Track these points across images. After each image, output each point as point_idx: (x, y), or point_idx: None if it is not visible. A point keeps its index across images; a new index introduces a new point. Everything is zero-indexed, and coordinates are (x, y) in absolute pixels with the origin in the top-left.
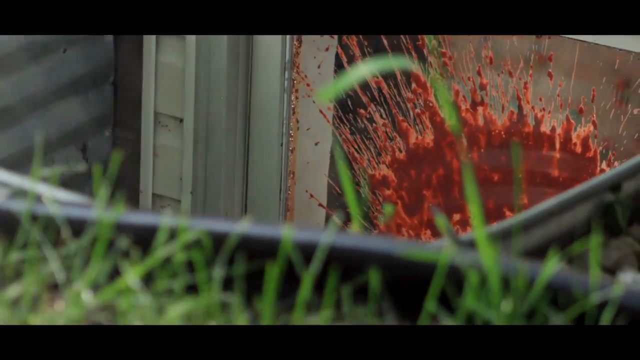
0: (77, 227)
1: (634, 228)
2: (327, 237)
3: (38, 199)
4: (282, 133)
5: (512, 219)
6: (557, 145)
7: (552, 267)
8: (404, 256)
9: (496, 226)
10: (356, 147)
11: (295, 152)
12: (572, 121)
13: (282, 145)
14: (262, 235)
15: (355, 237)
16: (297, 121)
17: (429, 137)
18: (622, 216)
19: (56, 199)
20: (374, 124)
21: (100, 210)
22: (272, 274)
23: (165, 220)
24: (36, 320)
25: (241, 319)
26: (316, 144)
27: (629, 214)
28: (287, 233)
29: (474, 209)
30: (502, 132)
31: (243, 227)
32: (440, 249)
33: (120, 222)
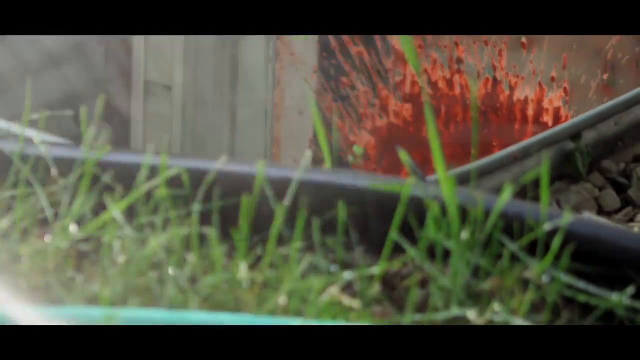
0: (65, 166)
1: (593, 175)
2: (298, 172)
3: (28, 140)
4: (267, 101)
5: (476, 162)
6: (530, 111)
7: (506, 197)
8: (369, 188)
9: (462, 168)
10: (338, 113)
11: (280, 120)
12: (545, 87)
13: (267, 113)
14: (237, 172)
15: (325, 172)
16: (282, 90)
17: (407, 106)
18: (582, 164)
19: (45, 140)
20: (355, 92)
21: (86, 149)
22: (246, 206)
23: (147, 158)
24: (25, 250)
25: (217, 250)
26: (300, 112)
27: (588, 162)
28: (261, 169)
29: (434, 146)
30: (478, 98)
31: (220, 164)
32: (403, 182)
33: (105, 161)
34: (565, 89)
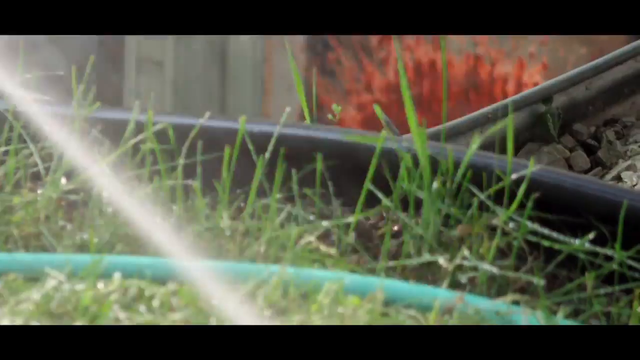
0: (57, 122)
1: (565, 137)
2: (279, 127)
3: (21, 99)
4: (257, 77)
5: (451, 122)
6: (510, 84)
7: (474, 149)
8: (346, 141)
9: (435, 127)
10: (324, 89)
11: (269, 95)
12: (524, 61)
13: (256, 89)
14: (220, 127)
15: (304, 127)
16: (271, 66)
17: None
18: (553, 126)
19: (37, 99)
20: (341, 67)
21: (76, 106)
22: (228, 159)
23: (134, 114)
24: (18, 200)
25: (201, 201)
26: (288, 88)
27: (559, 125)
28: (243, 124)
29: (406, 102)
30: (460, 73)
31: (204, 120)
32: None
33: (94, 117)
34: (544, 64)
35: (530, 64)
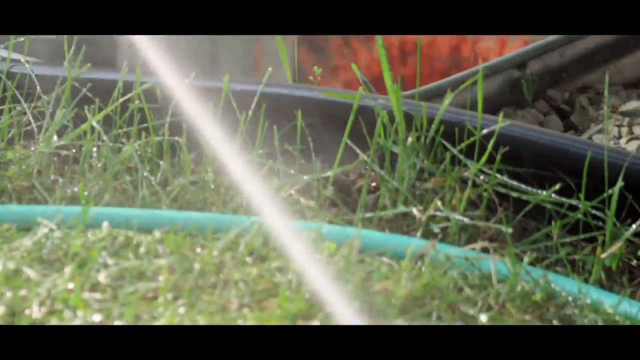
0: (48, 83)
1: (539, 103)
2: (261, 86)
3: (14, 61)
4: (247, 55)
5: (427, 85)
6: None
7: (446, 105)
8: (325, 98)
9: (411, 90)
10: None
11: (259, 72)
12: (505, 38)
13: (246, 67)
14: (207, 86)
15: (285, 86)
16: (261, 45)
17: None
18: (528, 91)
19: (29, 61)
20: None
21: (68, 67)
22: (214, 116)
23: (122, 74)
24: (11, 156)
25: (187, 156)
26: (279, 66)
27: (534, 90)
28: (227, 83)
29: (382, 61)
30: (444, 50)
31: (190, 79)
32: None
33: (85, 77)
34: (524, 41)
35: (511, 41)
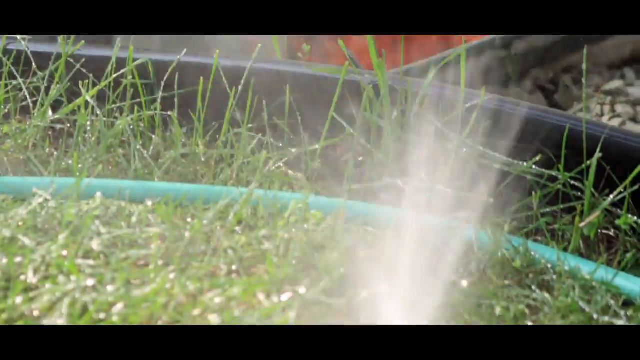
0: (44, 60)
1: (524, 81)
2: (250, 62)
3: (11, 38)
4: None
5: (414, 62)
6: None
7: (430, 79)
8: (312, 72)
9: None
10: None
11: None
12: None
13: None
14: (198, 62)
15: (274, 62)
16: None
17: None
18: (513, 70)
19: (25, 38)
20: None
21: (62, 44)
22: (203, 91)
23: (116, 50)
24: (7, 129)
25: (178, 130)
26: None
27: (519, 70)
28: (216, 59)
29: (368, 38)
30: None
31: (181, 56)
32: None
33: (79, 54)
34: None
35: None
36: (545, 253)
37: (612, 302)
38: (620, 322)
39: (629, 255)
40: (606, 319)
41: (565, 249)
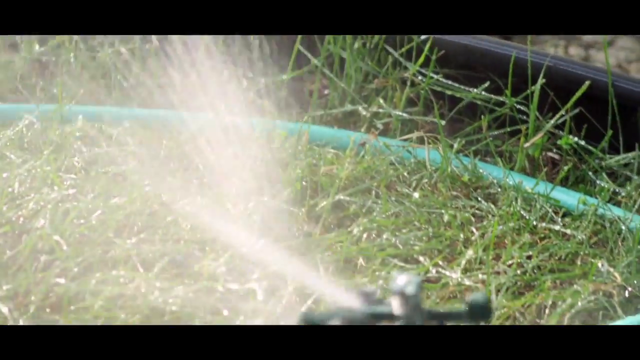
0: None
1: None
2: None
3: None
4: None
5: None
6: None
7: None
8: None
9: None
10: None
11: None
12: None
13: None
14: None
15: None
16: None
17: None
18: None
19: None
20: None
21: None
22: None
23: None
24: None
25: (156, 63)
26: None
27: None
28: None
29: None
30: None
31: None
32: None
33: None
34: None
35: None
36: (493, 171)
37: (550, 211)
38: (556, 228)
39: (566, 168)
40: (544, 225)
41: (511, 169)
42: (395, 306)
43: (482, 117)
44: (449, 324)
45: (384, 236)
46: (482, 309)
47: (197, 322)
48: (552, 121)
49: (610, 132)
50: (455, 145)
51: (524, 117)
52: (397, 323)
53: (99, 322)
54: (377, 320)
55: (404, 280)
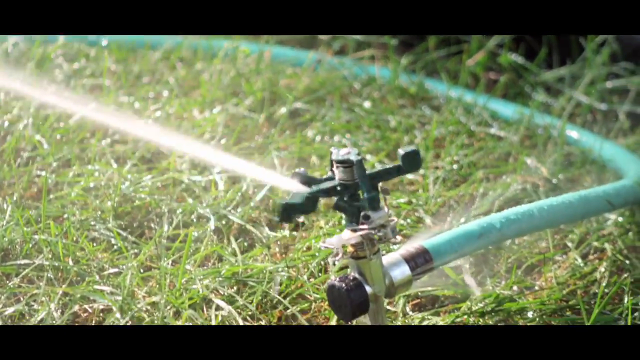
0: None
1: None
2: None
3: None
4: None
5: None
6: None
7: None
8: None
9: None
10: None
11: None
12: None
13: None
14: None
15: None
16: None
17: None
18: None
19: None
20: None
21: None
22: None
23: None
24: None
25: None
26: None
27: None
28: None
29: None
30: None
31: None
32: None
33: None
34: None
35: None
36: (438, 86)
37: (488, 118)
38: (492, 131)
39: (502, 79)
40: (480, 128)
41: (455, 85)
42: (339, 174)
43: (429, 38)
44: (387, 179)
45: (335, 138)
46: (413, 158)
47: (163, 209)
48: (491, 41)
49: (544, 50)
50: (403, 61)
51: (467, 38)
52: (344, 195)
53: (75, 208)
54: (327, 194)
55: (345, 151)
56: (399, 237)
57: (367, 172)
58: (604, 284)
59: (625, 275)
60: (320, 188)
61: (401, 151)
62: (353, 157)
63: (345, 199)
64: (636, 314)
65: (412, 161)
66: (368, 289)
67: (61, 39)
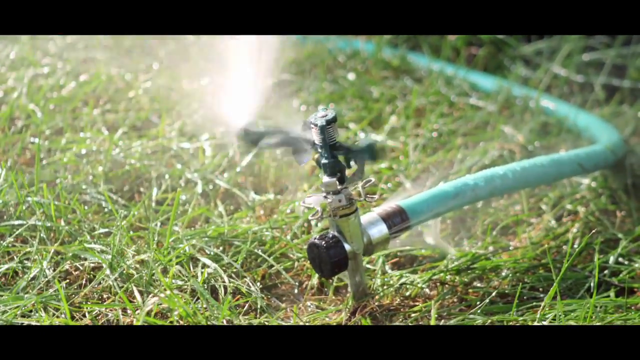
0: None
1: None
2: None
3: None
4: None
5: None
6: None
7: None
8: None
9: None
10: None
11: None
12: None
13: None
14: None
15: None
16: None
17: None
18: None
19: None
20: None
21: None
22: None
23: None
24: None
25: None
26: None
27: None
28: None
29: None
30: None
31: None
32: None
33: None
34: None
35: None
36: (421, 61)
37: (467, 89)
38: (472, 101)
39: (481, 51)
40: (460, 99)
41: (437, 58)
42: (315, 135)
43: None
44: (345, 156)
45: (320, 107)
46: (372, 149)
47: (152, 174)
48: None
49: None
50: (386, 37)
51: None
52: (316, 151)
53: (67, 173)
54: (302, 144)
55: (322, 113)
56: (356, 205)
57: (334, 140)
58: (575, 245)
59: (595, 233)
60: (299, 135)
61: (362, 143)
62: (319, 122)
63: (325, 155)
64: (606, 271)
65: (371, 152)
66: (347, 246)
67: None
